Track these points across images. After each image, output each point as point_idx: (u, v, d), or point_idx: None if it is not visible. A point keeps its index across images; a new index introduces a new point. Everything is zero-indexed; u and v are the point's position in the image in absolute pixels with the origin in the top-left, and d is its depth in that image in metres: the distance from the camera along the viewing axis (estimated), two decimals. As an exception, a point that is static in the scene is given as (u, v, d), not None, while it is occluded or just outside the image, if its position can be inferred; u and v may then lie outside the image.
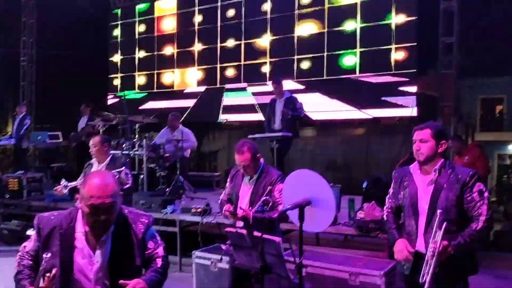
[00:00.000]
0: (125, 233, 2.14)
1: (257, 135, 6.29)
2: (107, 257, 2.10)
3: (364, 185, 5.29)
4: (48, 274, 1.92)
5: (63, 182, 4.62)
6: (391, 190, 2.81)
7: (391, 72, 7.96)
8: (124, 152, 6.86)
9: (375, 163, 9.18)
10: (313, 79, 8.77)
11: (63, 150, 9.98)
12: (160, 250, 2.28)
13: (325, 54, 8.61)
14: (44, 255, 1.98)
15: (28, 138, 8.90)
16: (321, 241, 5.27)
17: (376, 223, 4.29)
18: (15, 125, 9.09)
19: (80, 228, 2.11)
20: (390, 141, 9.33)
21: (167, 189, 6.69)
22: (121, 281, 2.01)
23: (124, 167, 4.54)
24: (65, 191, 4.60)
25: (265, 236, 2.08)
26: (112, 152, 5.35)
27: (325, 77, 8.65)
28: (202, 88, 10.19)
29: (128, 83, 11.14)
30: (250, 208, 2.89)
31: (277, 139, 6.23)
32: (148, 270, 2.20)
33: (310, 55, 8.79)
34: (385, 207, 2.84)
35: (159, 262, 2.23)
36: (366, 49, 8.19)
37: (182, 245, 5.69)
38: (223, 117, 9.88)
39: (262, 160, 3.30)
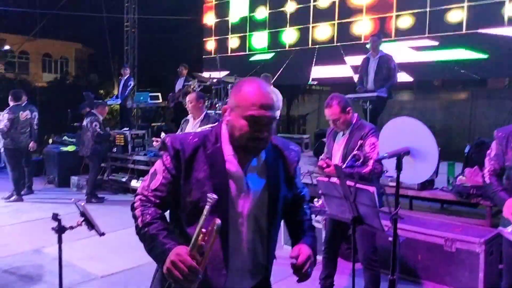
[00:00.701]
0: (276, 162, 1.65)
1: (349, 95, 6.10)
2: (260, 189, 1.61)
3: (467, 149, 4.90)
4: (203, 230, 1.41)
5: (163, 135, 4.91)
6: (492, 152, 2.55)
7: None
8: (217, 112, 7.10)
9: (479, 129, 8.48)
10: (414, 36, 8.17)
11: (162, 110, 10.63)
12: (307, 193, 1.84)
13: (428, 9, 7.94)
14: (209, 195, 1.42)
15: (132, 99, 9.60)
16: (415, 207, 5.04)
17: (478, 189, 3.98)
18: (120, 86, 9.83)
19: (229, 150, 1.59)
20: (497, 106, 8.52)
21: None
22: (292, 253, 1.62)
23: (217, 124, 4.71)
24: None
25: (359, 185, 2.01)
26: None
27: (427, 34, 8.00)
28: (292, 50, 10.06)
29: (222, 45, 11.38)
30: (342, 164, 2.81)
31: (370, 100, 5.98)
32: (302, 225, 1.78)
33: (410, 11, 8.17)
34: (485, 170, 2.58)
35: (307, 210, 1.82)
36: (474, 3, 7.39)
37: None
38: (313, 80, 9.72)
39: (355, 115, 3.18)
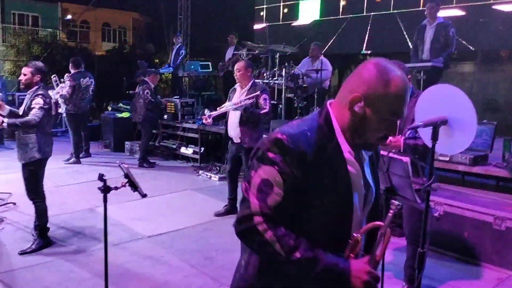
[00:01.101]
0: (373, 155, 1.50)
1: (402, 65, 5.82)
2: (374, 187, 1.46)
3: (528, 124, 4.55)
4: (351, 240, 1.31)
5: (207, 112, 4.97)
6: None
7: None
8: (264, 81, 7.05)
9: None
10: (477, 3, 7.59)
11: (214, 80, 10.72)
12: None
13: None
14: (393, 202, 1.31)
15: (183, 67, 9.75)
16: (468, 184, 4.80)
17: (536, 167, 3.70)
18: (172, 55, 10.01)
19: (345, 146, 1.36)
20: None
21: (305, 119, 6.78)
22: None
23: (263, 92, 4.68)
24: (209, 120, 4.95)
25: (392, 154, 1.93)
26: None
27: (491, 1, 7.40)
28: (345, 17, 9.70)
29: (273, 13, 11.19)
30: (400, 135, 2.68)
31: (425, 70, 5.67)
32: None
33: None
34: None
35: None
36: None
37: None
38: (367, 49, 9.35)
39: (411, 85, 3.03)
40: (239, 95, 4.81)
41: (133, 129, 8.88)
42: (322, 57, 7.48)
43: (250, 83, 4.75)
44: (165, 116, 8.31)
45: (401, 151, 2.46)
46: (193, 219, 4.91)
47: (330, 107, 1.37)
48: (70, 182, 6.42)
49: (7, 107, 3.98)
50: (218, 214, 5.04)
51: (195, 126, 7.77)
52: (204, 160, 7.56)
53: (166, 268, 3.73)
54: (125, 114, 9.12)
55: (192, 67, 9.66)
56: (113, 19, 27.19)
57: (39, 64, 4.14)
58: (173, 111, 8.15)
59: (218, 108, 4.97)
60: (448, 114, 1.75)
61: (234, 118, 4.77)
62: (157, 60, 21.52)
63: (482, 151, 4.35)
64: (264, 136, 4.83)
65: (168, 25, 16.26)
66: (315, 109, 6.84)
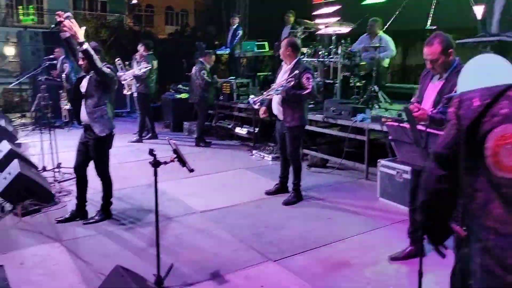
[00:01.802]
0: None
1: (467, 40, 5.45)
2: None
3: None
4: None
5: (251, 99, 4.96)
6: None
7: None
8: (319, 59, 6.93)
9: None
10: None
11: (271, 60, 10.67)
12: None
13: None
14: None
15: (240, 48, 9.80)
16: None
17: None
18: (229, 36, 10.09)
19: None
20: None
21: (361, 99, 6.61)
22: None
23: (306, 71, 4.59)
24: (256, 106, 4.97)
25: (430, 129, 1.84)
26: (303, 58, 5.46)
27: None
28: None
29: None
30: (433, 109, 2.57)
31: (492, 45, 5.27)
32: None
33: None
34: None
35: None
36: None
37: (370, 154, 5.65)
38: (432, 24, 8.81)
39: (457, 58, 2.86)
40: (282, 74, 4.79)
41: (191, 110, 9.15)
42: (381, 33, 7.18)
43: (293, 62, 4.69)
44: (221, 97, 8.45)
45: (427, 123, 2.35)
46: (244, 197, 5.02)
47: None
48: (132, 159, 6.78)
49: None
50: (268, 193, 5.10)
51: (250, 107, 7.83)
52: (258, 140, 7.64)
53: (216, 241, 3.87)
54: (184, 95, 9.39)
55: (249, 47, 9.67)
56: (175, 2, 27.83)
57: (93, 44, 4.11)
58: (228, 92, 8.27)
59: (264, 93, 4.98)
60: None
61: (276, 97, 4.75)
62: (217, 42, 21.86)
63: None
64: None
65: (228, 6, 16.34)
66: (373, 88, 6.62)
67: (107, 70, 4.01)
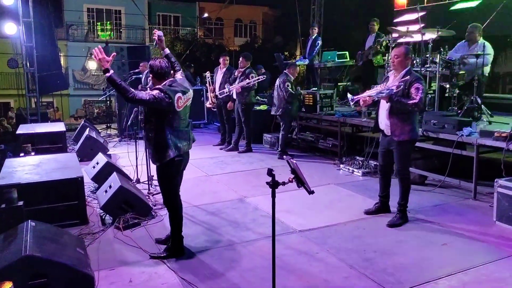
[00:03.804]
0: None
1: None
2: None
3: None
4: None
5: (350, 96, 4.66)
6: None
7: None
8: (414, 69, 6.48)
9: None
10: None
11: (350, 69, 10.35)
12: None
13: None
14: None
15: (319, 58, 9.57)
16: None
17: None
18: (308, 46, 9.88)
19: None
20: None
21: (459, 111, 6.10)
22: None
23: (417, 81, 4.23)
24: (352, 105, 4.66)
25: None
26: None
27: None
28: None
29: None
30: None
31: None
32: None
33: None
34: None
35: None
36: None
37: (478, 172, 5.15)
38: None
39: None
40: (391, 83, 4.44)
41: (271, 121, 9.02)
42: (482, 39, 6.61)
43: (405, 71, 4.34)
44: (303, 109, 8.24)
45: None
46: (342, 216, 4.73)
47: None
48: (218, 172, 6.74)
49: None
50: (368, 212, 4.77)
51: (334, 118, 7.55)
52: (344, 154, 7.32)
53: (323, 265, 3.62)
54: (263, 107, 9.30)
55: (329, 57, 9.42)
56: (244, 14, 28.28)
57: (150, 62, 3.72)
58: (311, 103, 8.03)
59: (365, 92, 4.66)
60: None
61: (384, 109, 4.43)
62: (287, 53, 21.84)
63: None
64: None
65: (298, 16, 16.23)
66: (474, 99, 6.08)
67: (145, 96, 3.41)
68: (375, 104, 4.67)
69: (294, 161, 2.89)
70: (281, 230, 4.36)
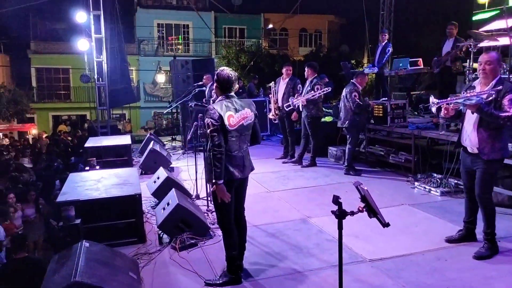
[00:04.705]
0: None
1: None
2: None
3: None
4: None
5: (432, 99, 4.09)
6: None
7: None
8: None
9: None
10: None
11: (422, 77, 9.61)
12: None
13: None
14: None
15: (390, 66, 8.95)
16: None
17: None
18: (377, 53, 9.29)
19: None
20: None
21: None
22: None
23: (511, 91, 3.62)
24: (434, 109, 4.10)
25: None
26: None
27: None
28: None
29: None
30: None
31: None
32: None
33: None
34: None
35: None
36: None
37: None
38: None
39: None
40: (477, 93, 3.84)
41: (336, 134, 8.55)
42: None
43: (496, 79, 3.75)
44: (372, 120, 7.69)
45: None
46: (419, 243, 4.19)
47: None
48: (280, 188, 6.41)
49: None
50: (450, 240, 4.18)
51: (407, 131, 6.93)
52: (418, 170, 6.67)
53: (399, 305, 3.14)
54: (328, 118, 8.86)
55: (401, 64, 8.77)
56: (309, 24, 27.92)
57: (217, 71, 3.52)
58: (381, 114, 7.46)
59: (450, 98, 4.09)
60: None
61: (470, 122, 3.83)
62: (353, 61, 21.11)
63: None
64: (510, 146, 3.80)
65: (366, 22, 15.60)
66: None
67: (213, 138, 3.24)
68: (457, 116, 4.08)
69: (366, 188, 2.47)
70: (348, 258, 3.91)
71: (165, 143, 10.60)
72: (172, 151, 9.83)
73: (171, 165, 7.80)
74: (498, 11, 9.19)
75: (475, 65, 6.42)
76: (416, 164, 6.74)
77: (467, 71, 6.32)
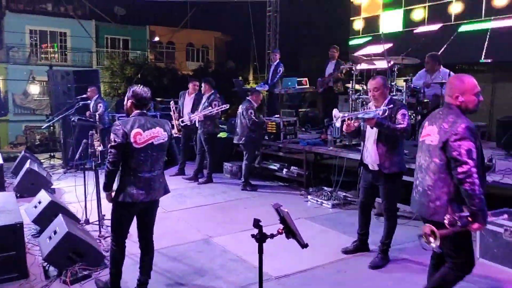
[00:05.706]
0: None
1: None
2: None
3: None
4: None
5: (336, 112, 4.28)
6: None
7: None
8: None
9: None
10: None
11: (309, 96, 10.22)
12: None
13: None
14: None
15: (281, 85, 9.32)
16: None
17: None
18: (270, 72, 9.60)
19: None
20: None
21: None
22: None
23: (402, 107, 4.03)
24: (337, 123, 4.32)
25: None
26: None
27: None
28: (459, 23, 8.73)
29: (371, 25, 10.45)
30: None
31: None
32: None
33: None
34: None
35: None
36: None
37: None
38: (486, 57, 8.30)
39: None
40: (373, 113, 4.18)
41: (231, 150, 8.61)
42: (442, 68, 6.63)
43: (387, 100, 4.11)
44: (266, 136, 7.91)
45: None
46: (319, 257, 4.34)
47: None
48: (178, 207, 6.18)
49: None
50: (346, 251, 4.42)
51: (299, 147, 7.27)
52: (310, 184, 7.01)
53: (308, 321, 3.19)
54: (223, 134, 8.87)
55: (290, 83, 9.21)
56: (196, 39, 27.99)
57: (133, 88, 3.38)
58: (274, 131, 7.72)
59: (348, 113, 4.38)
60: None
61: (370, 139, 4.12)
62: (240, 77, 21.64)
63: None
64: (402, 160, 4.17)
65: (251, 42, 16.13)
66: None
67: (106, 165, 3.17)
68: (357, 133, 4.32)
69: (286, 210, 2.46)
70: (254, 277, 3.85)
71: (42, 161, 9.54)
72: (51, 170, 8.90)
73: (52, 186, 7.04)
74: (371, 37, 10.26)
75: (357, 86, 7.05)
76: (308, 178, 7.09)
77: (351, 91, 6.86)
